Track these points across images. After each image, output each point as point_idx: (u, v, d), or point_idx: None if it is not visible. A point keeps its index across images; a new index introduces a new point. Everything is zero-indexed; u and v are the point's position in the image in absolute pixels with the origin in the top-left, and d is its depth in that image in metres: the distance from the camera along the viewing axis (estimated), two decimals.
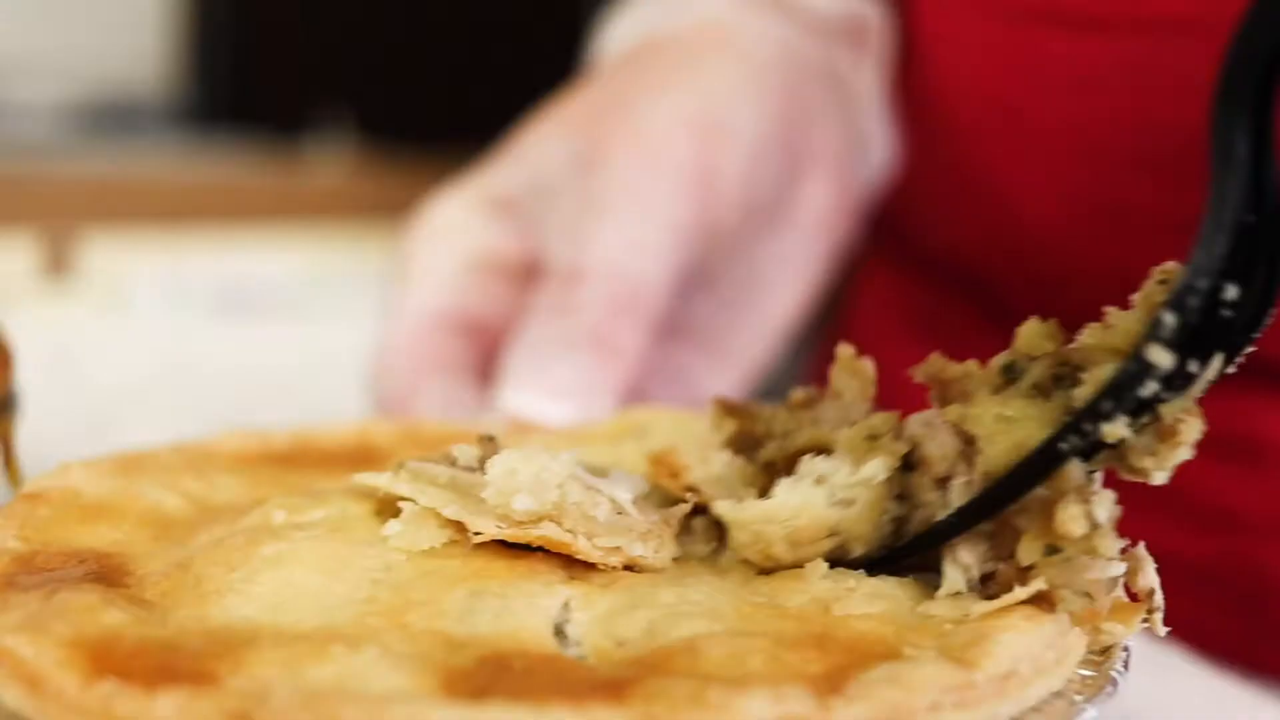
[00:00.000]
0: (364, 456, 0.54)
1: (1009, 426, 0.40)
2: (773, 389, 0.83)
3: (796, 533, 0.40)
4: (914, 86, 0.81)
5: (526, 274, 0.67)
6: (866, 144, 0.80)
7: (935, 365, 0.42)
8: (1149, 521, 0.79)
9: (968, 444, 0.40)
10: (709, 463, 0.46)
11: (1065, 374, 0.41)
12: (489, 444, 0.44)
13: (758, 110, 0.70)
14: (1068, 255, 0.76)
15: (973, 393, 0.41)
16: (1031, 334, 0.42)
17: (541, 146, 0.70)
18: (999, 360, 0.41)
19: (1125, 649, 0.40)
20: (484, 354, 0.66)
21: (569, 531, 0.40)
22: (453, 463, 0.43)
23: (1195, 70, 0.70)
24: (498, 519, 0.41)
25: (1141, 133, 0.72)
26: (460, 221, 0.69)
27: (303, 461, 0.53)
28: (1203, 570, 0.76)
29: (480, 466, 0.42)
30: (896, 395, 0.87)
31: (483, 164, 0.74)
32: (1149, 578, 0.41)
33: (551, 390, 0.60)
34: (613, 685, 0.34)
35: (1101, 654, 0.39)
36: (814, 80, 0.75)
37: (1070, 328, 0.78)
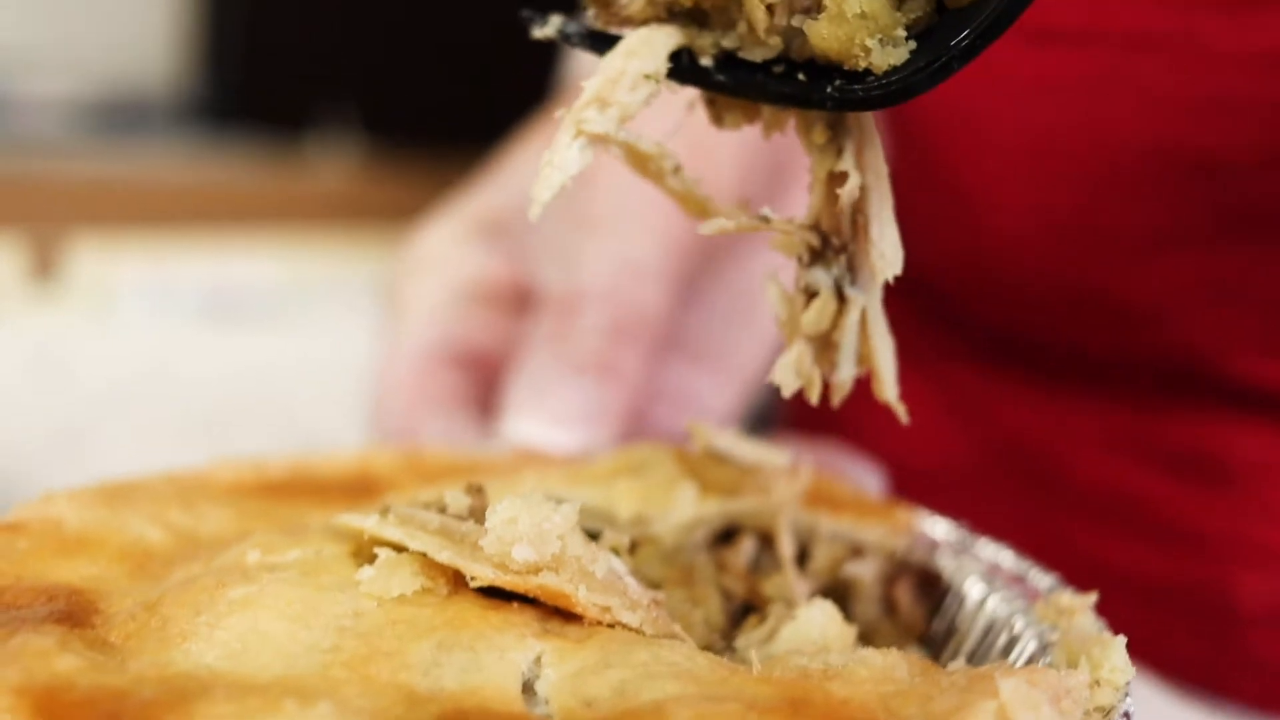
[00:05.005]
0: (363, 487, 0.53)
1: None
2: (769, 402, 0.82)
3: None
4: None
5: (519, 298, 0.67)
6: None
7: None
8: (1118, 542, 0.79)
9: None
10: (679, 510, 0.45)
11: None
12: (479, 494, 0.43)
13: None
14: (1030, 267, 0.76)
15: None
16: None
17: (526, 167, 0.69)
18: None
19: (1125, 715, 0.39)
20: (483, 383, 0.65)
21: (569, 582, 0.40)
22: (442, 509, 0.42)
23: (1154, 83, 0.70)
24: (495, 566, 0.40)
25: (1102, 146, 0.71)
26: (449, 251, 0.68)
27: (298, 493, 0.52)
28: (1171, 591, 0.76)
29: (470, 515, 0.42)
30: (886, 416, 0.86)
31: (480, 172, 0.73)
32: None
33: (555, 417, 0.60)
34: None
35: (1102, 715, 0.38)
36: None
37: (1034, 339, 0.78)
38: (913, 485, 0.85)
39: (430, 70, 3.06)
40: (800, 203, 0.72)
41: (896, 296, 0.84)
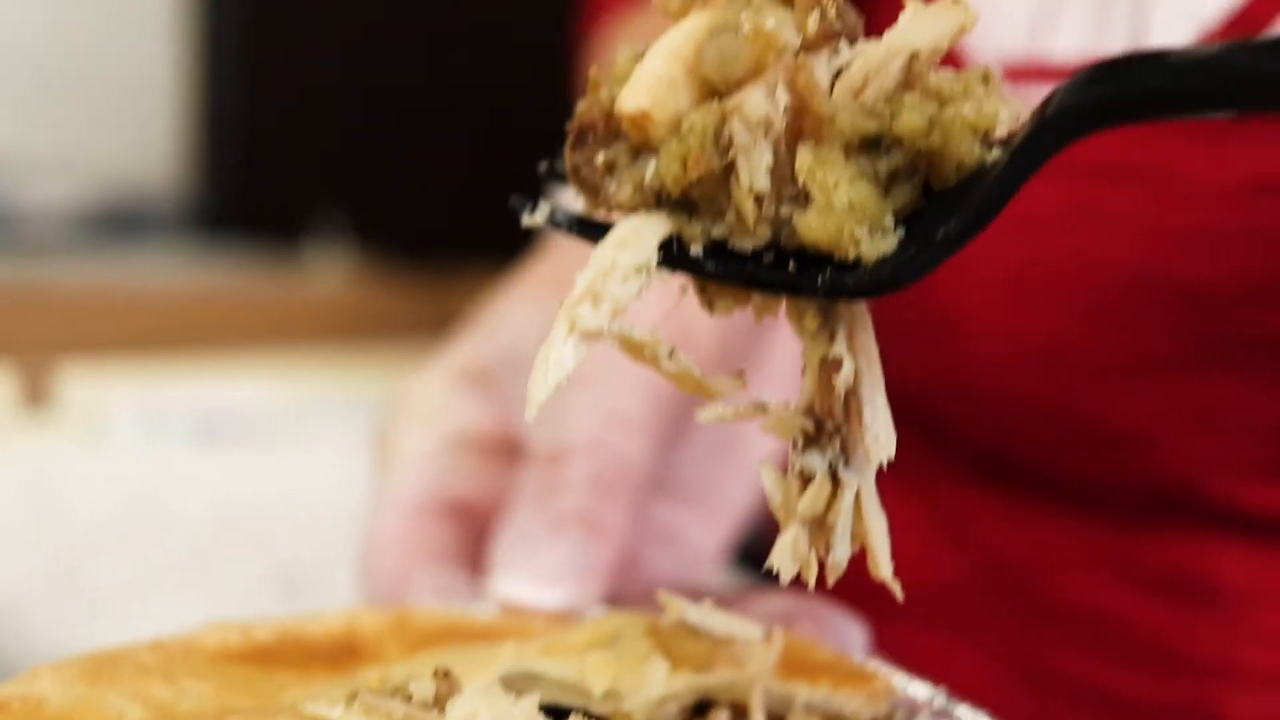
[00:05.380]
0: (348, 652, 0.53)
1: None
2: (759, 537, 0.81)
3: None
4: None
5: (509, 448, 0.66)
6: None
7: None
8: (1105, 663, 0.79)
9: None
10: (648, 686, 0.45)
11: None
12: (445, 679, 0.43)
13: None
14: (1013, 392, 0.76)
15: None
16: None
17: (511, 316, 0.69)
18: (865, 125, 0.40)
19: None
20: (474, 534, 0.65)
21: None
22: (408, 698, 0.42)
23: (1132, 215, 0.71)
24: None
25: (1082, 276, 0.72)
26: (436, 401, 0.68)
27: (283, 660, 0.52)
28: (1159, 714, 0.75)
29: (435, 703, 0.42)
30: None
31: (466, 289, 0.73)
32: None
33: (542, 575, 0.59)
34: None
35: None
36: None
37: (1018, 461, 0.78)
38: (901, 604, 0.85)
39: (423, 180, 3.08)
40: (784, 336, 0.73)
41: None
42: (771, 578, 0.43)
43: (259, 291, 2.37)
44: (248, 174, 3.28)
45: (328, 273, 2.57)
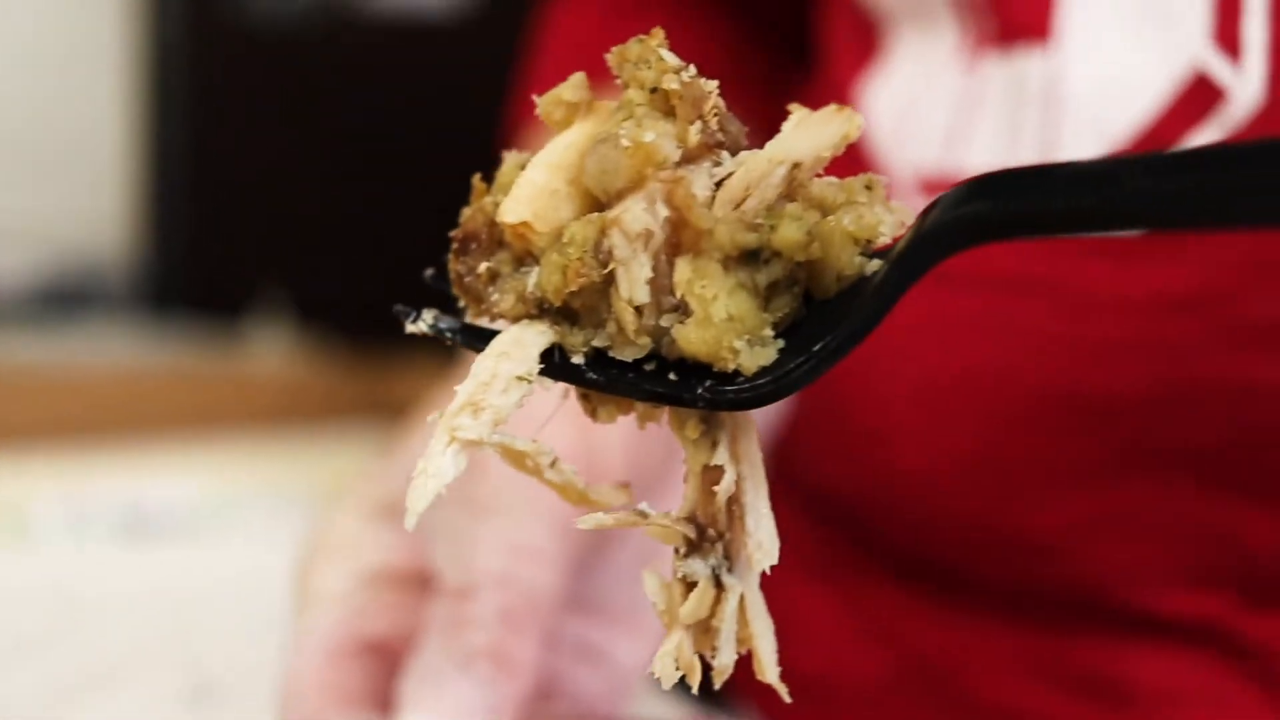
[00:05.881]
0: None
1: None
2: None
3: None
4: None
5: (424, 581, 0.66)
6: None
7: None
8: None
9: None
10: None
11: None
12: None
13: None
14: (934, 501, 0.77)
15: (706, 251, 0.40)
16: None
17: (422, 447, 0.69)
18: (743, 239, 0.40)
19: None
20: (391, 673, 0.64)
21: None
22: None
23: (1039, 327, 0.71)
24: None
25: (994, 386, 0.73)
26: (350, 536, 0.67)
27: None
28: None
29: None
30: (800, 633, 0.86)
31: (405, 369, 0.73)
32: None
33: (451, 713, 0.58)
34: None
35: None
36: None
37: (942, 565, 0.79)
38: (828, 702, 0.85)
39: (365, 263, 3.08)
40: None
41: (815, 518, 0.85)
42: (654, 681, 0.43)
43: (197, 371, 2.36)
44: (191, 251, 3.28)
45: (267, 352, 2.56)
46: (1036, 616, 0.77)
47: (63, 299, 3.00)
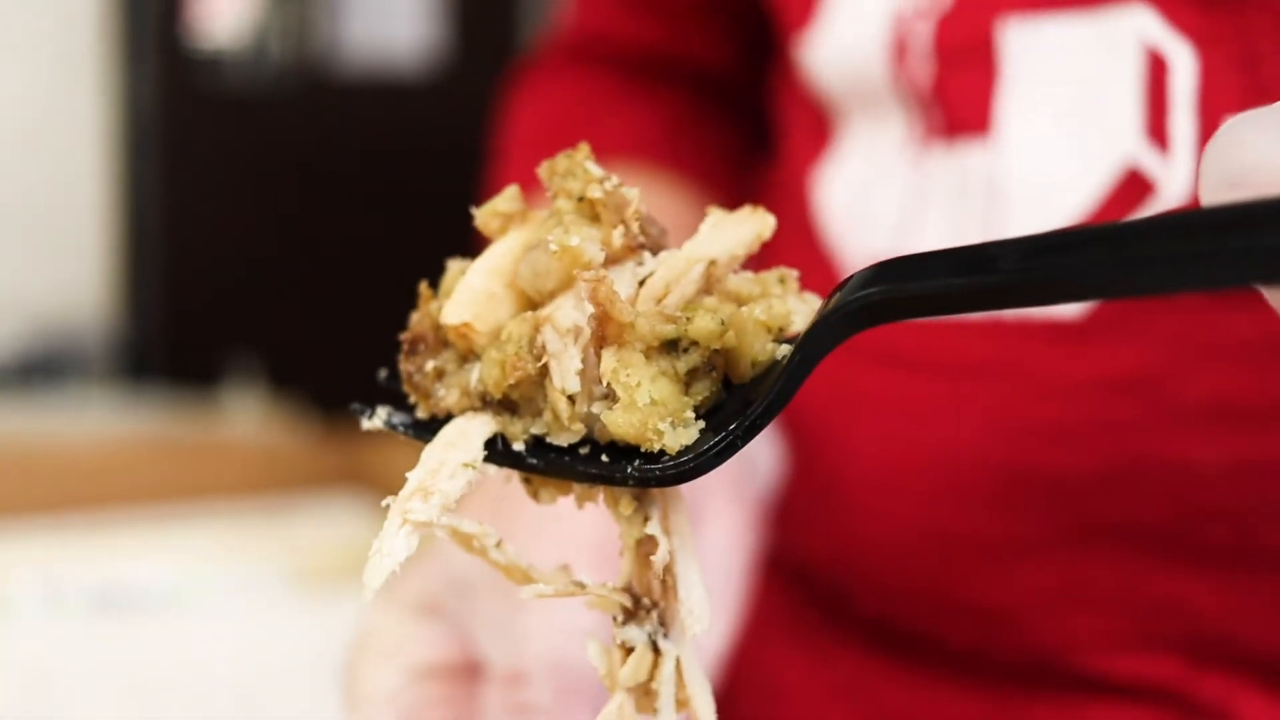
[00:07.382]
0: None
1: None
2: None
3: None
4: None
5: (470, 672, 0.68)
6: (754, 459, 0.83)
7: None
8: None
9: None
10: None
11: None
12: None
13: None
14: (895, 570, 0.79)
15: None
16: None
17: (451, 548, 0.71)
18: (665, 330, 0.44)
19: None
20: None
21: None
22: None
23: (992, 409, 0.74)
24: None
25: (950, 465, 0.75)
26: (394, 636, 0.69)
27: None
28: None
29: None
30: (777, 690, 0.89)
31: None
32: None
33: None
34: None
35: None
36: None
37: (905, 631, 0.82)
38: None
39: (338, 330, 3.12)
40: (714, 531, 0.76)
41: (799, 585, 0.88)
42: None
43: (173, 440, 2.38)
44: (167, 319, 3.30)
45: (243, 420, 2.59)
46: (996, 678, 0.79)
47: (40, 369, 3.02)
